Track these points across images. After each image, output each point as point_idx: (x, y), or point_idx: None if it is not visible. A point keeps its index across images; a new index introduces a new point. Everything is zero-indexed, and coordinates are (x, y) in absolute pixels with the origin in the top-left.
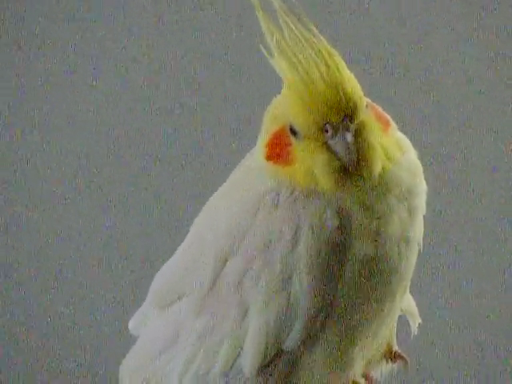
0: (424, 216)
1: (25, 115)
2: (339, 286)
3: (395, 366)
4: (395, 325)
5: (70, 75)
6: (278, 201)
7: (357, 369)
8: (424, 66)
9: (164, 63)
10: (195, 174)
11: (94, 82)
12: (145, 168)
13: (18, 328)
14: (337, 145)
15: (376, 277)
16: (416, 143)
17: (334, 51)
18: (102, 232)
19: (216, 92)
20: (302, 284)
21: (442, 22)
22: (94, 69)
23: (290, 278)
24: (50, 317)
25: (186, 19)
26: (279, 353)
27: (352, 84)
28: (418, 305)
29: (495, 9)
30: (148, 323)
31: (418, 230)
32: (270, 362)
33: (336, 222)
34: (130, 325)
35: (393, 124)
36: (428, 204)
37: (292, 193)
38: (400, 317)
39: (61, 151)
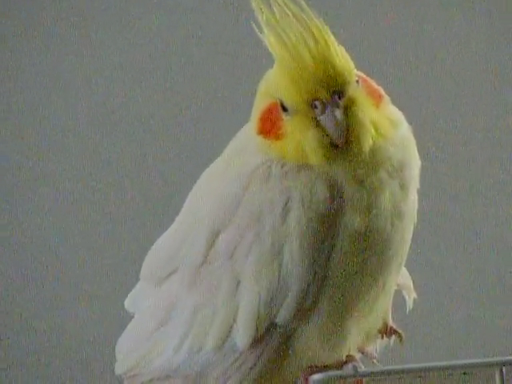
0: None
1: (25, 115)
2: (331, 258)
3: (390, 340)
4: (391, 300)
5: (70, 76)
6: (269, 174)
7: (352, 343)
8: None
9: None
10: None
11: (94, 81)
12: (145, 168)
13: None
14: (326, 121)
15: (368, 250)
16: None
17: (323, 26)
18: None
19: (216, 90)
20: (293, 255)
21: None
22: (93, 70)
23: (281, 249)
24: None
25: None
26: (273, 327)
27: (341, 59)
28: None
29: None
30: (143, 300)
31: (411, 204)
32: (264, 336)
33: (326, 194)
34: (126, 303)
35: (386, 97)
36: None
37: (283, 166)
38: (395, 292)
39: (60, 151)
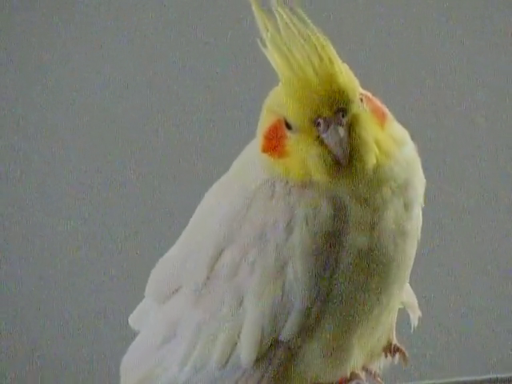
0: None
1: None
2: (334, 276)
3: (394, 359)
4: (395, 318)
5: (72, 74)
6: (273, 192)
7: (356, 361)
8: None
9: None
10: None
11: (93, 88)
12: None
13: (16, 324)
14: (329, 139)
15: (372, 268)
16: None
17: (327, 43)
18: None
19: (217, 92)
20: (297, 273)
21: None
22: (96, 70)
23: (284, 266)
24: (48, 315)
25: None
26: (276, 344)
27: (345, 77)
28: (417, 297)
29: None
30: (147, 318)
31: (415, 223)
32: (268, 353)
33: (330, 211)
34: (131, 320)
35: (390, 116)
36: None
37: (287, 184)
38: (400, 310)
39: (59, 149)
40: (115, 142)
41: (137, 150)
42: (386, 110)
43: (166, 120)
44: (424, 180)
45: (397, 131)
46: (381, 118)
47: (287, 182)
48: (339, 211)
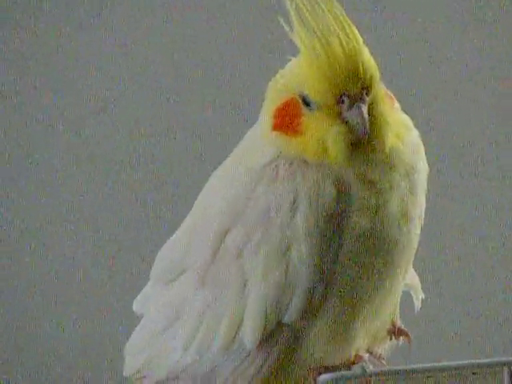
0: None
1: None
2: (338, 258)
3: (398, 342)
4: (399, 300)
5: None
6: (276, 173)
7: (360, 343)
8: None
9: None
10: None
11: (97, 84)
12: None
13: (21, 314)
14: (353, 116)
15: (375, 251)
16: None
17: (351, 22)
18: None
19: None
20: (300, 254)
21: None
22: (94, 70)
23: (288, 248)
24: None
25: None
26: (281, 326)
27: (369, 56)
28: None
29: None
30: (151, 301)
31: (419, 208)
32: (272, 335)
33: (334, 193)
34: (134, 305)
35: (396, 103)
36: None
37: (291, 165)
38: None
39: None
40: (115, 142)
41: (144, 148)
42: (393, 96)
43: (166, 120)
44: (427, 166)
45: (403, 116)
46: (391, 102)
47: (291, 162)
48: (343, 193)
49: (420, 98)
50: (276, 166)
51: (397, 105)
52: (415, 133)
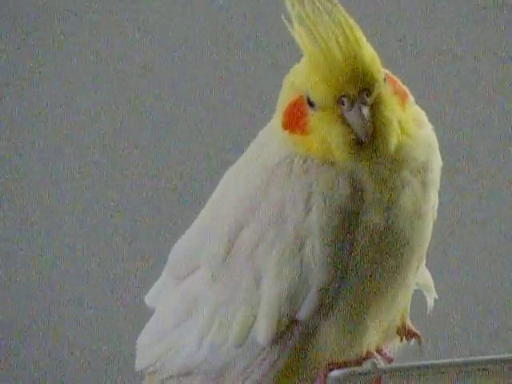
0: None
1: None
2: (352, 255)
3: (410, 343)
4: (410, 297)
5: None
6: (291, 170)
7: (371, 340)
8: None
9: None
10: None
11: (93, 81)
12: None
13: (29, 306)
14: (352, 118)
15: (388, 248)
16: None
17: (353, 23)
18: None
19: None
20: (314, 252)
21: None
22: (94, 74)
23: (302, 246)
24: (59, 299)
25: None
26: (294, 323)
27: (370, 57)
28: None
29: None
30: (164, 296)
31: (431, 204)
32: (285, 332)
33: (348, 191)
34: (147, 298)
35: (410, 97)
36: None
37: (305, 162)
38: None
39: (58, 148)
40: (116, 142)
41: (153, 146)
42: (407, 91)
43: (167, 121)
44: (441, 162)
45: (417, 112)
46: (402, 99)
47: (305, 160)
48: (356, 190)
49: (426, 95)
50: (290, 162)
51: (411, 98)
52: (428, 128)
